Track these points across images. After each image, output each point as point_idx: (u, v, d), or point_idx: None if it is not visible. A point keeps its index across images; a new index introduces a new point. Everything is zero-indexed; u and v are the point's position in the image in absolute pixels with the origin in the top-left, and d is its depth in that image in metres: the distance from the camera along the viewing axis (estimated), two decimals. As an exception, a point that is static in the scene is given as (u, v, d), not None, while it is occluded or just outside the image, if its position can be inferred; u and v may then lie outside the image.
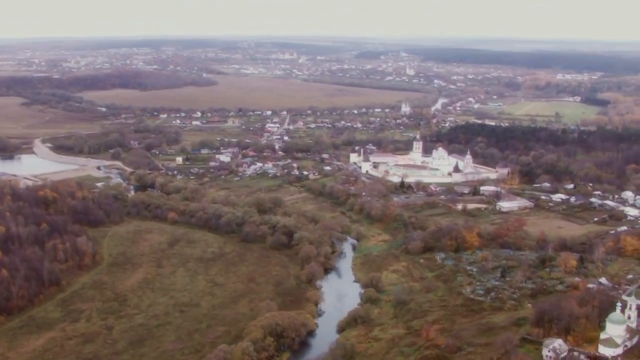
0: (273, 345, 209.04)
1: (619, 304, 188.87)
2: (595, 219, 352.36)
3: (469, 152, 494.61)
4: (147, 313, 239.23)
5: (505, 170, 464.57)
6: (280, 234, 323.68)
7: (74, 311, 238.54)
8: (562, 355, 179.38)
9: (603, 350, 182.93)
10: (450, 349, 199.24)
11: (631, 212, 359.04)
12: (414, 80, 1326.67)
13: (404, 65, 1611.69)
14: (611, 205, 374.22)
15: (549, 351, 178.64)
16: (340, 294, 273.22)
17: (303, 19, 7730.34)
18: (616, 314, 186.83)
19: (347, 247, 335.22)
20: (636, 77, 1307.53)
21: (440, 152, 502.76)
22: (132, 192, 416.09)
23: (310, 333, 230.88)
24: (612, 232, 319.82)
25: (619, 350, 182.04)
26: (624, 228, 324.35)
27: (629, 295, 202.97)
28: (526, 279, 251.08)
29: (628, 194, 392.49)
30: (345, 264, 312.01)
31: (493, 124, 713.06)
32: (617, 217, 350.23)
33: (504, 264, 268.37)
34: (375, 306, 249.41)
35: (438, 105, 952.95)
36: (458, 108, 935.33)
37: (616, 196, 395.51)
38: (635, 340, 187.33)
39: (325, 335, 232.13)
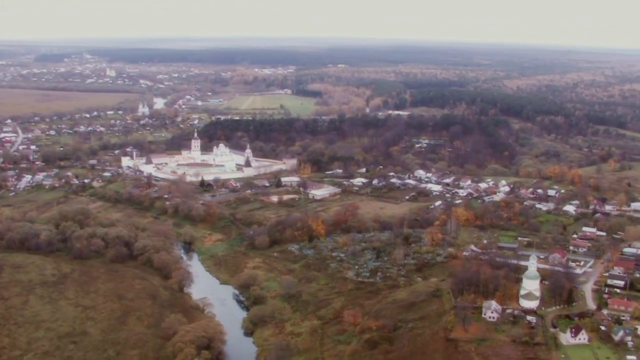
0: (208, 358, 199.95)
1: (532, 261, 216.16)
2: (407, 197, 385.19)
3: (248, 147, 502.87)
4: (34, 352, 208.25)
5: (293, 161, 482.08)
6: (119, 245, 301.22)
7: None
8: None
9: (525, 304, 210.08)
10: (389, 329, 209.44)
11: (434, 188, 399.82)
12: (119, 82, 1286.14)
13: (102, 67, 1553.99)
14: (412, 184, 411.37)
15: (492, 312, 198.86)
16: (218, 297, 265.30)
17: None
18: (532, 271, 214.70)
19: (180, 251, 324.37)
20: (327, 68, 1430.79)
21: (222, 149, 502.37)
22: None
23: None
24: (432, 206, 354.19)
25: (537, 302, 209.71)
26: (439, 202, 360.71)
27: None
28: (405, 255, 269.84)
29: (420, 173, 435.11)
30: (195, 268, 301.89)
31: (237, 118, 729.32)
32: (425, 194, 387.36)
33: (379, 246, 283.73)
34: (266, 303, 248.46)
35: (161, 104, 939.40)
36: (183, 106, 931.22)
37: (411, 175, 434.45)
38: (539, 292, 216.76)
39: (235, 339, 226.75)
